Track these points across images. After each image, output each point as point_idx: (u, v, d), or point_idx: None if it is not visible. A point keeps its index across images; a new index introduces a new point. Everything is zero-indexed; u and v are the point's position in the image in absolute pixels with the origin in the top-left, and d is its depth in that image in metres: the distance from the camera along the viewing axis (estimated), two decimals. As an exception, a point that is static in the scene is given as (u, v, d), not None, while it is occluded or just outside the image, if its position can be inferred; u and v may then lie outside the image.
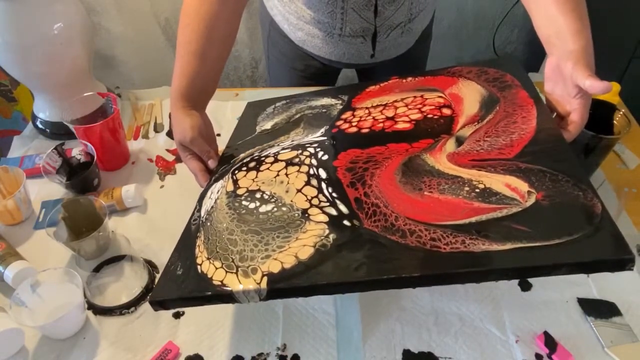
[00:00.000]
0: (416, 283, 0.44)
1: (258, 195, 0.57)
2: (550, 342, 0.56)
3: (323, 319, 0.60)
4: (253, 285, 0.46)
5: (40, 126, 0.89)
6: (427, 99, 0.66)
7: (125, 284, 0.65)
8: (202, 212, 0.59)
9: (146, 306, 0.62)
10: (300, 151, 0.62)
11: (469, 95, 0.64)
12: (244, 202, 0.56)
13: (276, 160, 0.61)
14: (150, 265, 0.67)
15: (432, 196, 0.50)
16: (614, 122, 0.71)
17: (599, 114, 0.72)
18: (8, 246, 0.67)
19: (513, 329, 0.58)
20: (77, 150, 0.78)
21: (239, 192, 0.58)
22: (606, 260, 0.41)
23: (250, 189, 0.58)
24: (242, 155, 0.67)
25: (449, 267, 0.42)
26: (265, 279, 0.46)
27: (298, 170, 0.58)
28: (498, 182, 0.49)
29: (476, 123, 0.59)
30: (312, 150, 0.62)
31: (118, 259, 0.68)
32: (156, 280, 0.64)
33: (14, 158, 0.84)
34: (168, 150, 0.85)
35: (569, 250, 0.41)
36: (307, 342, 0.58)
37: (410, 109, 0.65)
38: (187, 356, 0.57)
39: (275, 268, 0.47)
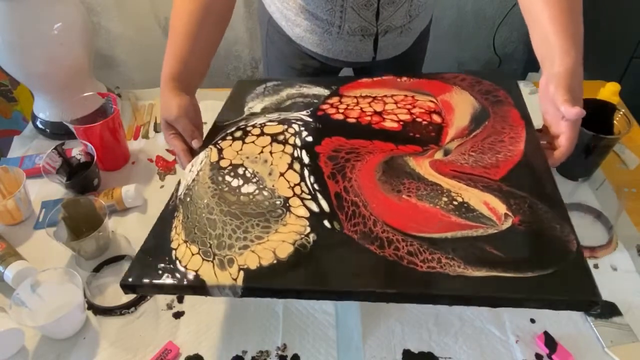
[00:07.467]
0: (389, 299, 0.44)
1: (241, 172, 0.56)
2: (550, 342, 0.56)
3: (323, 319, 0.60)
4: (229, 281, 0.45)
5: (40, 126, 0.89)
6: (417, 100, 0.65)
7: (125, 284, 0.65)
8: (181, 189, 0.57)
9: (146, 306, 0.62)
10: (286, 127, 0.61)
11: (461, 105, 0.63)
12: (227, 177, 0.55)
13: (262, 134, 0.61)
14: (150, 265, 0.67)
15: (409, 201, 0.50)
16: (614, 122, 0.71)
17: (599, 114, 0.72)
18: (8, 246, 0.67)
19: (513, 329, 0.58)
20: (77, 150, 0.78)
21: (223, 164, 0.58)
22: (574, 301, 0.41)
23: (234, 162, 0.57)
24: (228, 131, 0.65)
25: (425, 287, 0.42)
26: (242, 274, 0.45)
27: (282, 151, 0.58)
28: (477, 198, 0.49)
29: (464, 137, 0.58)
30: (296, 127, 0.61)
31: (118, 259, 0.68)
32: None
33: (14, 158, 0.84)
34: (168, 150, 0.85)
35: (539, 286, 0.41)
36: (307, 342, 0.58)
37: (399, 107, 0.64)
38: (187, 356, 0.57)
39: (253, 263, 0.46)
